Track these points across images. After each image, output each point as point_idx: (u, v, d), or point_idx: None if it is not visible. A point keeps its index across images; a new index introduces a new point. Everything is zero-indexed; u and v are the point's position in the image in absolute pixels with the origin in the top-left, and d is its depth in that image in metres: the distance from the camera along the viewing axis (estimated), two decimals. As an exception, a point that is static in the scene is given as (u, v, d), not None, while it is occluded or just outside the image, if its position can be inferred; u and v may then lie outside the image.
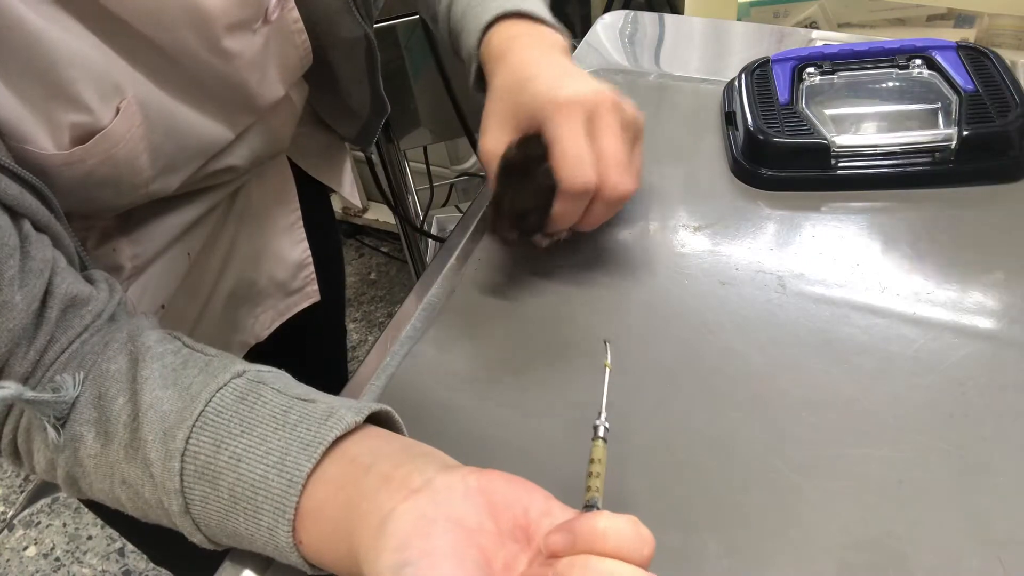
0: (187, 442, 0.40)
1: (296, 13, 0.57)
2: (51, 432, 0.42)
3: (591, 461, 0.38)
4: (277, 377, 0.44)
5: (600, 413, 0.40)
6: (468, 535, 0.34)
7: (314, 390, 0.44)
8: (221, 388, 0.41)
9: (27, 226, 0.42)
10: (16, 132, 0.43)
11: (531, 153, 0.53)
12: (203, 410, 0.40)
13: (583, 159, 0.51)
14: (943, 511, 0.43)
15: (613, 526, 0.32)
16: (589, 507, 0.36)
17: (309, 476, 0.38)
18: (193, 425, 0.40)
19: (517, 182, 0.53)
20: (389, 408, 0.43)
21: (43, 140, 0.44)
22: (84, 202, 0.50)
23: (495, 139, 0.55)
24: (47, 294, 0.43)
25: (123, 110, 0.47)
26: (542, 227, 0.54)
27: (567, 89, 0.52)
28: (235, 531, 0.40)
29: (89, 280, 0.47)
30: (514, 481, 0.36)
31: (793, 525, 0.43)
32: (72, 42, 0.43)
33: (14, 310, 0.40)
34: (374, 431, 0.41)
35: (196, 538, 0.42)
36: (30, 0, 0.41)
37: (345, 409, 0.40)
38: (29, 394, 0.39)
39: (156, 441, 0.40)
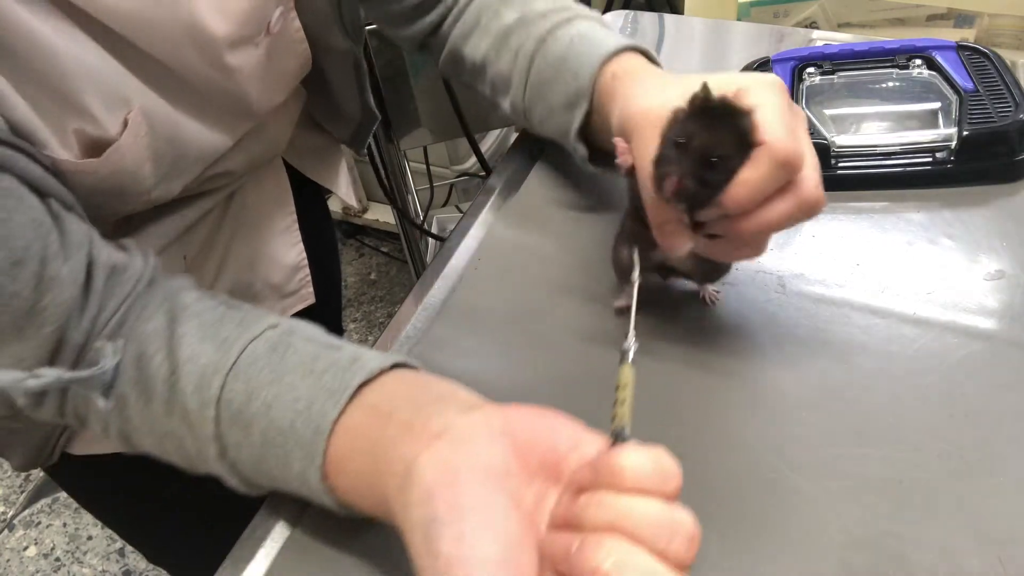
0: (221, 390, 0.42)
1: (298, 22, 0.57)
2: (99, 401, 0.44)
3: (617, 387, 0.36)
4: (308, 327, 0.45)
5: (628, 335, 0.38)
6: (494, 481, 0.33)
7: (342, 340, 0.45)
8: (254, 339, 0.43)
9: (55, 205, 0.44)
10: (31, 137, 0.44)
11: (725, 104, 0.43)
12: (236, 360, 0.42)
13: (793, 130, 0.42)
14: (943, 511, 0.43)
15: (632, 462, 0.31)
16: (616, 435, 0.34)
17: (335, 424, 0.39)
18: (227, 374, 0.42)
19: (709, 124, 0.43)
20: (412, 360, 0.43)
21: (55, 146, 0.45)
22: (88, 208, 0.51)
23: (664, 98, 0.45)
24: (91, 264, 0.44)
25: (131, 121, 0.48)
26: (722, 187, 0.42)
27: (772, 76, 0.45)
28: (269, 474, 0.42)
29: (122, 247, 0.48)
30: (539, 416, 0.35)
31: (793, 525, 0.43)
32: (81, 54, 0.45)
33: (63, 283, 0.42)
34: (395, 376, 0.42)
35: (233, 482, 0.44)
36: (42, 14, 0.42)
37: (369, 356, 0.42)
38: (67, 375, 0.41)
39: (193, 391, 0.42)
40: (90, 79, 0.45)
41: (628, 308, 0.52)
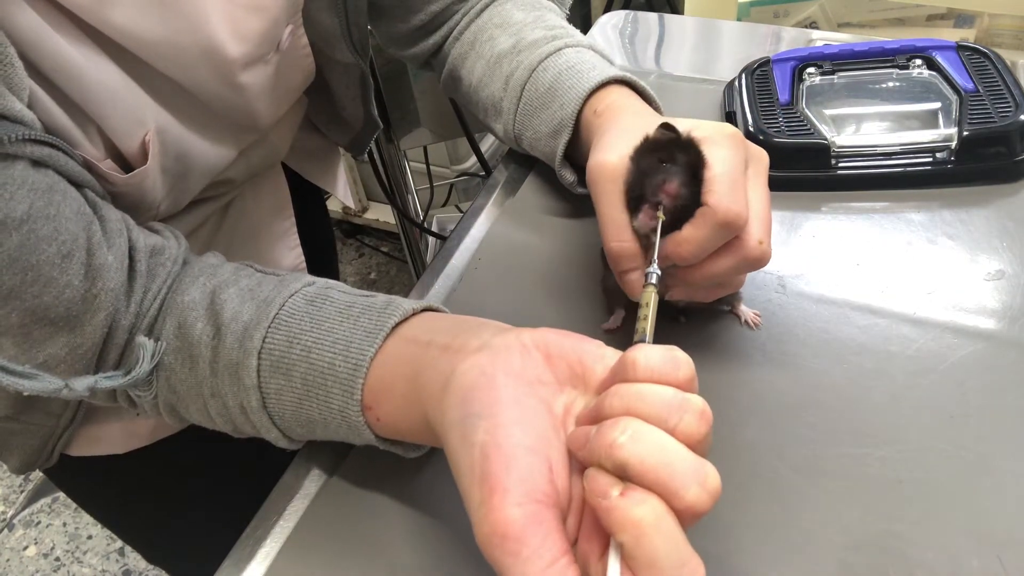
0: (264, 341, 0.43)
1: (305, 38, 0.57)
2: (141, 397, 0.46)
3: (640, 306, 0.40)
4: (343, 285, 0.47)
5: (653, 262, 0.43)
6: (528, 385, 0.35)
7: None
8: (293, 295, 0.45)
9: (91, 195, 0.45)
10: (64, 137, 0.45)
11: (678, 144, 0.46)
12: (277, 313, 0.44)
13: (741, 190, 0.45)
14: (943, 511, 0.43)
15: (644, 355, 0.33)
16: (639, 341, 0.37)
17: (372, 359, 0.41)
18: (269, 326, 0.44)
19: (665, 160, 0.46)
20: (442, 307, 0.46)
21: (85, 147, 0.47)
22: None
23: (619, 152, 0.48)
24: (132, 248, 0.46)
25: (151, 143, 0.49)
26: (680, 220, 0.45)
27: (729, 127, 0.48)
28: (309, 418, 0.44)
29: (154, 231, 0.50)
30: (567, 334, 0.37)
31: (793, 525, 0.43)
32: (105, 79, 0.46)
33: (110, 270, 0.44)
34: (429, 315, 0.44)
35: (272, 435, 0.46)
36: (72, 41, 0.44)
37: (401, 300, 0.44)
38: (104, 383, 0.42)
39: (237, 346, 0.44)
40: (113, 103, 0.47)
41: (618, 329, 0.53)
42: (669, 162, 0.45)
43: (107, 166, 0.48)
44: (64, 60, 0.43)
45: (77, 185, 0.44)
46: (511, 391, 0.35)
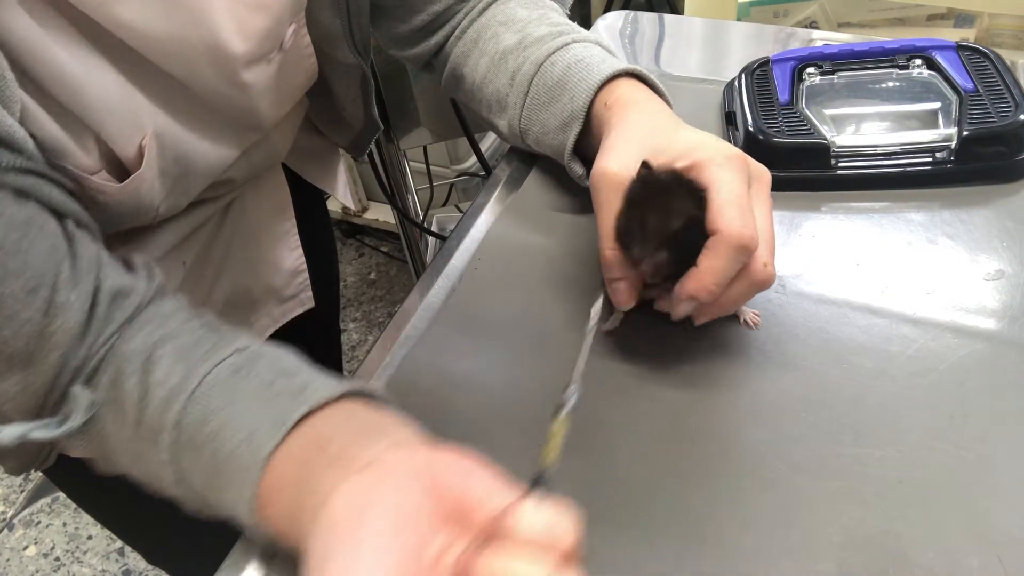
0: (181, 414, 0.41)
1: (308, 38, 0.57)
2: (75, 447, 0.44)
3: (548, 436, 0.36)
4: (277, 352, 0.44)
5: (569, 386, 0.37)
6: (403, 520, 0.33)
7: (310, 365, 0.44)
8: (220, 363, 0.42)
9: (71, 225, 0.44)
10: (56, 150, 0.45)
11: (678, 179, 0.46)
12: (199, 383, 0.41)
13: (749, 213, 0.45)
14: (943, 511, 0.43)
15: (527, 518, 0.31)
16: (535, 482, 0.34)
17: (271, 454, 0.39)
18: (188, 398, 0.41)
19: (662, 200, 0.46)
20: (369, 386, 0.43)
21: (79, 157, 0.46)
22: (97, 221, 0.51)
23: (622, 162, 0.49)
24: (97, 289, 0.44)
25: (147, 147, 0.49)
26: (677, 270, 0.46)
27: (731, 148, 0.48)
28: (216, 503, 0.41)
29: (129, 265, 0.48)
30: (462, 463, 0.35)
31: (793, 525, 0.43)
32: (101, 84, 0.46)
33: (71, 310, 0.42)
34: (347, 406, 0.41)
35: (192, 508, 0.44)
36: (70, 45, 0.44)
37: (319, 385, 0.41)
38: (36, 433, 0.41)
39: (158, 414, 0.42)
40: (108, 110, 0.46)
41: (617, 330, 0.53)
42: (658, 215, 0.45)
43: (101, 178, 0.47)
44: (60, 66, 0.43)
45: (60, 215, 0.43)
46: (378, 528, 0.33)
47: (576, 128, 0.58)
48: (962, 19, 1.18)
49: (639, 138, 0.50)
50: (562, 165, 0.62)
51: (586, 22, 1.61)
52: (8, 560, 1.58)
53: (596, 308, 0.42)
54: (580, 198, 0.64)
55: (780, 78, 0.68)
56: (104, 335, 0.45)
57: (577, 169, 0.60)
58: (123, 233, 0.57)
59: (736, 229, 0.44)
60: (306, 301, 0.80)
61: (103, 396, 0.44)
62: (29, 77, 0.42)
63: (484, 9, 0.66)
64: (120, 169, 0.50)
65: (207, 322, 0.46)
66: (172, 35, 0.47)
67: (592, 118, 0.57)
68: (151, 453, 0.42)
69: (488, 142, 1.63)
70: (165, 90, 0.50)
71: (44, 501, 1.67)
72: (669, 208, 0.45)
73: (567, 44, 0.60)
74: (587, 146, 0.59)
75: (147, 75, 0.48)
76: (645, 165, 0.47)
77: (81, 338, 0.44)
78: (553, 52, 0.60)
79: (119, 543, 1.59)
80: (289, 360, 0.44)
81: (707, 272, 0.45)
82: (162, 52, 0.47)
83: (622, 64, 0.58)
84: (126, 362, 0.44)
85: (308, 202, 0.82)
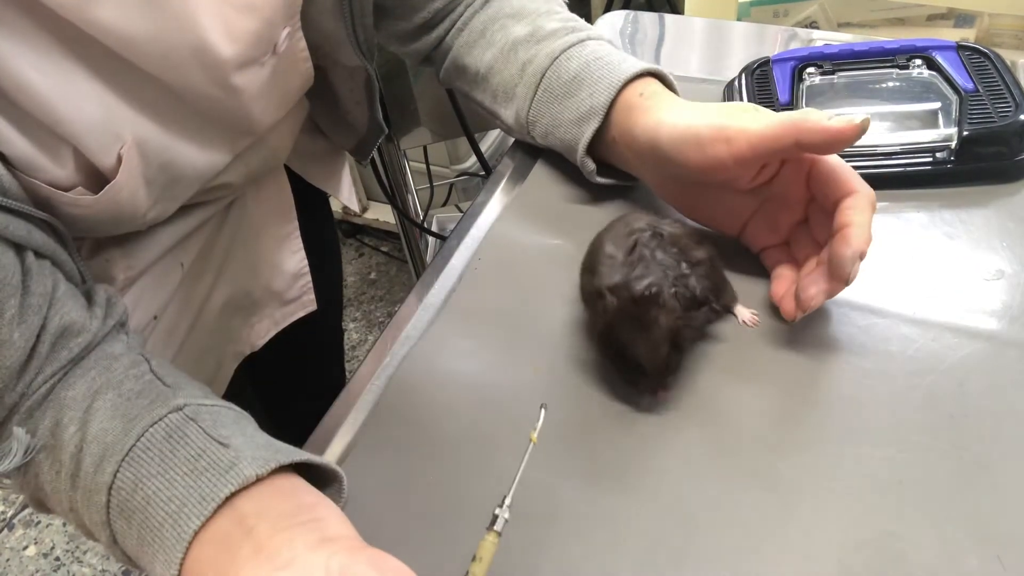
0: (114, 476, 0.40)
1: (303, 42, 0.56)
2: (8, 487, 0.44)
3: (474, 558, 0.35)
4: (213, 413, 0.43)
5: (504, 499, 0.36)
6: None
7: (250, 428, 0.43)
8: (155, 423, 0.41)
9: (30, 258, 0.43)
10: (28, 165, 0.44)
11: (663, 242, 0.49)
12: (133, 445, 0.41)
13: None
14: (943, 511, 0.43)
15: None
16: None
17: (196, 534, 0.38)
18: (121, 460, 0.40)
19: (635, 328, 0.46)
20: (310, 457, 0.42)
21: (51, 171, 0.45)
22: (82, 231, 0.51)
23: (689, 116, 0.51)
24: (42, 329, 0.43)
25: (124, 156, 0.48)
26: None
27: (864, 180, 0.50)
28: (148, 569, 0.40)
29: (88, 298, 0.47)
30: (380, 567, 0.35)
31: (793, 525, 0.43)
32: (76, 98, 0.45)
33: (12, 347, 0.41)
34: (278, 484, 0.40)
35: (128, 567, 0.43)
36: (42, 55, 0.42)
37: (251, 458, 0.40)
38: None
39: (93, 473, 0.41)
40: (83, 124, 0.45)
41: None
42: (644, 341, 0.46)
43: (76, 192, 0.46)
44: (31, 80, 0.42)
45: (18, 247, 0.42)
46: None
47: (595, 123, 0.58)
48: (962, 19, 1.18)
49: (694, 104, 0.52)
50: (565, 162, 0.62)
51: (586, 22, 1.60)
52: (8, 560, 1.58)
53: (539, 423, 0.40)
54: (582, 197, 0.64)
55: (780, 78, 0.68)
56: (44, 374, 0.44)
57: (589, 164, 0.60)
58: (118, 236, 0.57)
59: (866, 185, 0.48)
60: (308, 304, 0.80)
61: (43, 441, 0.43)
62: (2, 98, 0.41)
63: (488, 1, 0.66)
64: (99, 178, 0.49)
65: (155, 367, 0.45)
66: (155, 37, 0.45)
67: (617, 110, 0.57)
68: (86, 511, 0.42)
69: (488, 142, 1.63)
70: (150, 96, 0.49)
71: (44, 501, 1.67)
72: (648, 327, 0.45)
73: (582, 40, 0.60)
74: (598, 143, 0.59)
75: (129, 81, 0.47)
76: (612, 291, 0.46)
77: (18, 376, 0.43)
78: (569, 47, 0.60)
79: (119, 543, 1.59)
80: (226, 424, 0.43)
81: (863, 227, 0.47)
82: (145, 55, 0.46)
83: (644, 63, 0.58)
84: (66, 409, 0.43)
85: (312, 204, 0.81)
